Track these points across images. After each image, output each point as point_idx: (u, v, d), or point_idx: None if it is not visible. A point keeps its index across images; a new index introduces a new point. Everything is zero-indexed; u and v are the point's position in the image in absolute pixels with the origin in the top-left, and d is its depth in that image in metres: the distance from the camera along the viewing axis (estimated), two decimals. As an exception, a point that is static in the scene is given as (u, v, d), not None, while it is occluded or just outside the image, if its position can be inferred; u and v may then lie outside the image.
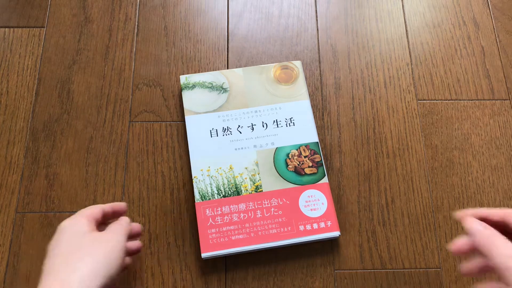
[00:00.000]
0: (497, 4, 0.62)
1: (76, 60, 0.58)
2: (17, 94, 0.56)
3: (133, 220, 0.51)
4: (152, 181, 0.53)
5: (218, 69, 0.58)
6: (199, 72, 0.58)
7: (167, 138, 0.55)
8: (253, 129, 0.52)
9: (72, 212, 0.51)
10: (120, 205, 0.45)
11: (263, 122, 0.53)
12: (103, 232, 0.39)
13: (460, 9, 0.62)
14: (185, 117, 0.53)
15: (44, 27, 0.60)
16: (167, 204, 0.52)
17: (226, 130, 0.52)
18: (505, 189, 0.53)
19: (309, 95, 0.57)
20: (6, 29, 0.60)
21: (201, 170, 0.50)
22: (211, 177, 0.50)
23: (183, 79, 0.55)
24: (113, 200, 0.52)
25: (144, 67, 0.58)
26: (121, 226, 0.41)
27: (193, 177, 0.50)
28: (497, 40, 0.60)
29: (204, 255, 0.47)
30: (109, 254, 0.37)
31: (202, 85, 0.54)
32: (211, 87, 0.54)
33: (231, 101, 0.54)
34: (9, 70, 0.58)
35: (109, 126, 0.55)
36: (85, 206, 0.51)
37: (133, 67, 0.58)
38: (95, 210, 0.41)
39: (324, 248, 0.50)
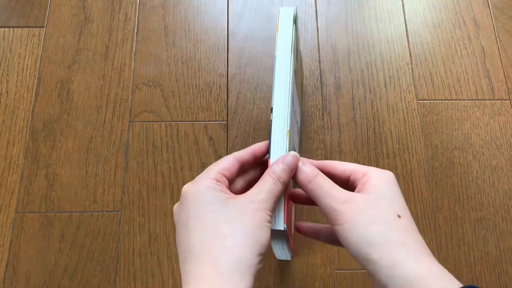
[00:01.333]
0: (497, 4, 0.62)
1: (76, 60, 0.58)
2: (17, 94, 0.56)
3: (133, 220, 0.51)
4: (152, 181, 0.53)
5: (218, 69, 0.58)
6: (198, 72, 0.58)
7: (167, 138, 0.55)
8: None
9: (72, 213, 0.51)
10: (261, 146, 0.35)
11: None
12: (245, 195, 0.31)
13: (460, 9, 0.62)
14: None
15: (44, 27, 0.60)
16: (167, 204, 0.52)
17: None
18: (505, 189, 0.53)
19: (309, 95, 0.57)
20: (6, 29, 0.60)
21: None
22: None
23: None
24: (113, 200, 0.52)
25: (144, 67, 0.58)
26: (273, 184, 0.31)
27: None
28: (497, 40, 0.60)
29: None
30: (256, 226, 0.29)
31: None
32: None
33: None
34: (9, 70, 0.58)
35: (109, 126, 0.55)
36: (84, 207, 0.51)
37: (133, 67, 0.58)
38: (223, 168, 0.32)
39: (324, 248, 0.50)
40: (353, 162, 0.35)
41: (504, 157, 0.55)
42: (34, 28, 0.60)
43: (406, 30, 0.61)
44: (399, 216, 0.29)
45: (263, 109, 0.56)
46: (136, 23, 0.61)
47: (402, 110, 0.57)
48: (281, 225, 0.32)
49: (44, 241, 0.50)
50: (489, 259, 0.50)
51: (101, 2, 0.61)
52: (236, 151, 0.55)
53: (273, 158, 0.34)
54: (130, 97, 0.57)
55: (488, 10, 0.62)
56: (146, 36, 0.60)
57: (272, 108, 0.36)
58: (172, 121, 0.55)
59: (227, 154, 0.54)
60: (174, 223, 0.52)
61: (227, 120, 0.55)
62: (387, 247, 0.28)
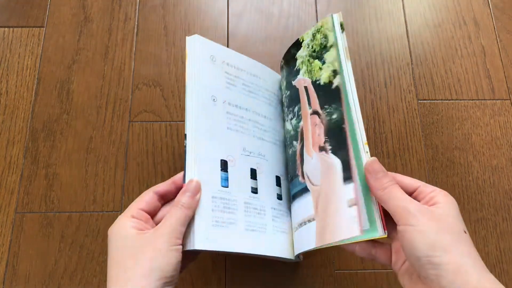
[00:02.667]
0: (497, 4, 0.62)
1: (76, 60, 0.58)
2: (17, 94, 0.56)
3: (133, 220, 0.51)
4: (152, 181, 0.52)
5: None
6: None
7: (167, 138, 0.54)
8: None
9: (72, 213, 0.51)
10: (179, 175, 0.39)
11: None
12: (153, 229, 0.35)
13: (461, 9, 0.62)
14: None
15: (43, 27, 0.60)
16: (167, 204, 0.52)
17: None
18: (506, 189, 0.53)
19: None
20: (6, 29, 0.60)
21: None
22: None
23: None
24: (113, 200, 0.52)
25: (144, 67, 0.58)
26: (175, 213, 0.35)
27: None
28: (498, 39, 0.60)
29: None
30: (157, 253, 0.33)
31: None
32: None
33: None
34: (8, 70, 0.58)
35: (109, 126, 0.55)
36: (84, 207, 0.51)
37: (133, 67, 0.58)
38: (142, 204, 0.37)
39: (324, 248, 0.50)
40: None
41: (505, 157, 0.55)
42: (34, 28, 0.60)
43: (406, 30, 0.61)
44: (465, 232, 0.32)
45: (263, 109, 0.56)
46: (136, 23, 0.60)
47: (402, 110, 0.57)
48: (192, 246, 0.35)
49: (44, 241, 0.50)
50: (489, 259, 0.50)
51: (101, 2, 0.61)
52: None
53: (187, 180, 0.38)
54: (130, 97, 0.57)
55: (489, 10, 0.62)
56: (146, 36, 0.60)
57: (185, 134, 0.39)
58: (172, 121, 0.55)
59: (227, 154, 0.54)
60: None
61: (227, 120, 0.55)
62: (456, 253, 0.30)
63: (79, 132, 0.55)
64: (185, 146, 0.38)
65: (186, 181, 0.37)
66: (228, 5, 0.62)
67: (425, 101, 0.57)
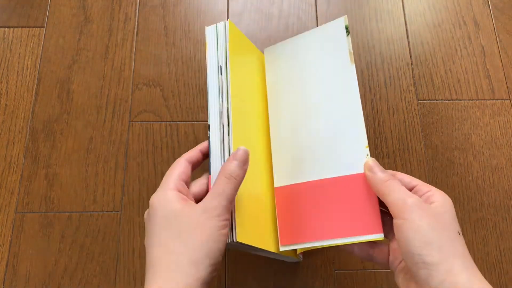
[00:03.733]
0: (497, 4, 0.62)
1: (76, 60, 0.58)
2: (17, 94, 0.56)
3: (133, 220, 0.51)
4: (152, 181, 0.53)
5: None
6: (198, 72, 0.58)
7: (167, 138, 0.54)
8: None
9: (72, 213, 0.51)
10: (206, 144, 0.37)
11: None
12: (200, 207, 0.32)
13: (461, 9, 0.62)
14: None
15: (43, 27, 0.60)
16: (167, 204, 0.52)
17: None
18: (506, 189, 0.53)
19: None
20: (6, 29, 0.60)
21: None
22: None
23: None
24: (113, 200, 0.52)
25: (144, 67, 0.58)
26: (224, 189, 0.32)
27: None
28: (498, 40, 0.60)
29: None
30: (207, 237, 0.30)
31: None
32: None
33: None
34: (8, 70, 0.58)
35: (109, 126, 0.55)
36: (84, 207, 0.51)
37: (133, 67, 0.58)
38: (183, 175, 0.34)
39: (324, 249, 0.50)
40: None
41: (504, 157, 0.55)
42: (34, 28, 0.60)
43: (406, 30, 0.61)
44: (459, 233, 0.32)
45: (263, 109, 0.56)
46: (136, 23, 0.61)
47: (402, 110, 0.57)
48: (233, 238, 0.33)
49: (44, 241, 0.50)
50: (489, 259, 0.50)
51: (101, 2, 0.61)
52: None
53: (213, 172, 0.35)
54: (130, 97, 0.57)
55: (488, 10, 0.62)
56: (146, 36, 0.60)
57: (209, 125, 0.37)
58: (172, 121, 0.55)
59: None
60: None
61: (227, 120, 0.55)
62: (449, 254, 0.29)
63: (79, 132, 0.55)
64: (209, 136, 0.37)
65: (212, 169, 0.35)
66: (228, 5, 0.62)
67: (425, 101, 0.57)
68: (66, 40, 0.59)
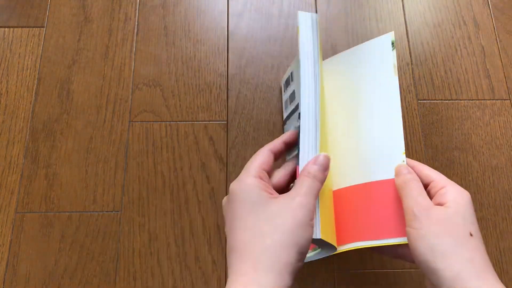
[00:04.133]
0: (497, 4, 0.62)
1: (76, 60, 0.58)
2: (17, 94, 0.56)
3: (133, 220, 0.51)
4: (152, 181, 0.53)
5: (218, 69, 0.58)
6: (198, 72, 0.58)
7: (167, 138, 0.55)
8: None
9: (72, 213, 0.51)
10: (291, 134, 0.36)
11: None
12: (288, 196, 0.31)
13: (460, 9, 0.62)
14: None
15: (43, 27, 0.60)
16: (167, 204, 0.52)
17: None
18: (506, 189, 0.53)
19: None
20: (6, 29, 0.60)
21: None
22: None
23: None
24: (113, 200, 0.52)
25: (144, 67, 0.58)
26: (311, 182, 0.32)
27: None
28: (497, 40, 0.60)
29: None
30: (297, 224, 0.30)
31: None
32: None
33: None
34: (8, 70, 0.58)
35: (109, 126, 0.55)
36: (84, 207, 0.51)
37: (133, 67, 0.58)
38: (265, 165, 0.33)
39: (324, 248, 0.50)
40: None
41: (504, 157, 0.55)
42: (34, 28, 0.60)
43: (406, 30, 0.61)
44: (471, 235, 0.31)
45: (263, 109, 0.56)
46: (136, 23, 0.61)
47: (402, 110, 0.57)
48: (318, 235, 0.33)
49: (44, 241, 0.50)
50: (489, 259, 0.50)
51: (101, 2, 0.61)
52: (236, 151, 0.55)
53: (301, 162, 0.35)
54: (130, 97, 0.57)
55: (488, 10, 0.62)
56: (146, 36, 0.60)
57: (299, 114, 0.36)
58: (172, 121, 0.55)
59: (227, 154, 0.54)
60: (173, 223, 0.52)
61: (227, 120, 0.55)
62: (454, 260, 0.29)
63: (79, 132, 0.55)
64: (299, 127, 0.36)
65: (301, 160, 0.34)
66: (228, 5, 0.62)
67: (425, 101, 0.57)
68: (66, 40, 0.59)
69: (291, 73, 0.50)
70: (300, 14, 0.40)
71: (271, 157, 0.35)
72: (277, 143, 0.36)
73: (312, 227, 0.31)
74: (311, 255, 0.41)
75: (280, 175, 0.36)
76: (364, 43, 0.47)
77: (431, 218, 0.31)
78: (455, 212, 0.32)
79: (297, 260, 0.29)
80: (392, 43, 0.44)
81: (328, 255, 0.40)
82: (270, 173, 0.35)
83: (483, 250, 0.31)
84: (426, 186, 0.36)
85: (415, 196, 0.33)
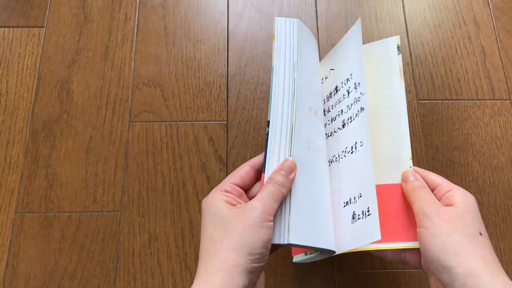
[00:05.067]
0: (497, 4, 0.62)
1: (76, 60, 0.58)
2: (17, 94, 0.56)
3: (132, 220, 0.51)
4: (152, 181, 0.53)
5: (218, 69, 0.58)
6: (198, 72, 0.58)
7: (167, 138, 0.54)
8: None
9: (72, 213, 0.51)
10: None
11: None
12: (245, 203, 0.34)
13: (461, 9, 0.62)
14: None
15: (43, 27, 0.60)
16: (167, 204, 0.52)
17: None
18: (506, 189, 0.53)
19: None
20: (6, 29, 0.60)
21: None
22: None
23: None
24: (113, 200, 0.52)
25: (144, 67, 0.58)
26: (271, 187, 0.34)
27: None
28: (498, 40, 0.60)
29: None
30: (246, 227, 0.32)
31: None
32: None
33: None
34: (8, 70, 0.58)
35: (109, 126, 0.55)
36: (84, 207, 0.51)
37: (132, 67, 0.58)
38: (236, 179, 0.36)
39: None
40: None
41: (505, 157, 0.55)
42: (34, 28, 0.60)
43: (406, 30, 0.61)
44: (480, 234, 0.32)
45: (263, 109, 0.56)
46: (136, 23, 0.60)
47: (402, 110, 0.56)
48: (283, 240, 0.34)
49: (44, 241, 0.50)
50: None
51: (101, 2, 0.61)
52: (236, 151, 0.55)
53: (267, 169, 0.36)
54: (130, 97, 0.57)
55: (489, 10, 0.62)
56: (146, 36, 0.60)
57: (268, 121, 0.37)
58: (172, 121, 0.55)
59: (227, 154, 0.54)
60: (173, 223, 0.52)
61: (227, 120, 0.55)
62: (466, 256, 0.30)
63: (79, 132, 0.55)
64: (267, 133, 0.36)
65: (266, 168, 0.36)
66: (228, 5, 0.62)
67: (425, 101, 0.57)
68: (66, 40, 0.59)
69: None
70: (277, 20, 0.40)
71: (250, 172, 0.37)
72: (259, 158, 0.38)
73: (267, 228, 0.32)
74: (309, 257, 0.41)
75: (258, 186, 0.38)
76: (368, 44, 0.46)
77: (442, 216, 0.32)
78: (464, 211, 0.33)
79: (249, 262, 0.31)
80: (398, 47, 0.44)
81: (328, 256, 0.40)
82: (247, 186, 0.37)
83: (492, 249, 0.32)
84: (432, 191, 0.37)
85: (424, 198, 0.34)
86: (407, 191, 0.37)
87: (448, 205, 0.34)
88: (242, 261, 0.31)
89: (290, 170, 0.35)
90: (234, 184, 0.36)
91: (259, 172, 0.37)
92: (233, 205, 0.34)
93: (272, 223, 0.33)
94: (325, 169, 0.41)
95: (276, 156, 0.36)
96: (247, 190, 0.37)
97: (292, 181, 0.35)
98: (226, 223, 0.33)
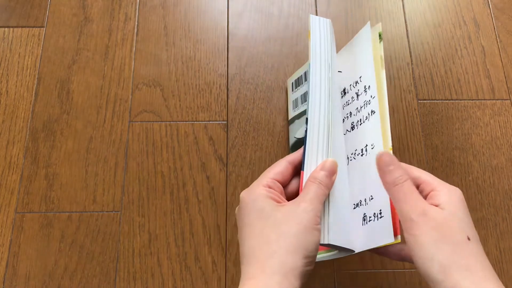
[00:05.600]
0: (497, 4, 0.62)
1: (76, 60, 0.58)
2: (17, 94, 0.56)
3: (132, 220, 0.51)
4: (152, 181, 0.53)
5: (218, 69, 0.58)
6: (198, 72, 0.58)
7: (167, 138, 0.54)
8: None
9: (72, 213, 0.51)
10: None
11: None
12: (293, 203, 0.33)
13: (461, 8, 0.62)
14: None
15: (43, 27, 0.60)
16: (167, 204, 0.52)
17: None
18: (506, 189, 0.53)
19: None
20: (6, 28, 0.60)
21: None
22: None
23: None
24: (113, 200, 0.52)
25: (144, 67, 0.58)
26: (317, 188, 0.33)
27: None
28: (498, 40, 0.60)
29: None
30: (302, 230, 0.31)
31: None
32: None
33: None
34: (8, 70, 0.58)
35: (109, 126, 0.55)
36: (84, 207, 0.51)
37: (132, 67, 0.58)
38: (277, 174, 0.35)
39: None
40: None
41: (505, 157, 0.55)
42: (34, 28, 0.60)
43: (406, 30, 0.61)
44: (468, 239, 0.31)
45: (263, 109, 0.56)
46: (136, 23, 0.61)
47: (402, 110, 0.57)
48: (326, 240, 0.33)
49: (44, 241, 0.50)
50: (489, 259, 0.50)
51: (101, 2, 0.61)
52: (236, 151, 0.55)
53: (306, 168, 0.35)
54: (130, 97, 0.57)
55: (489, 10, 0.62)
56: (146, 36, 0.60)
57: (307, 118, 0.36)
58: (172, 121, 0.55)
59: (227, 154, 0.54)
60: (173, 223, 0.52)
61: (227, 120, 0.55)
62: (453, 270, 0.29)
63: (79, 132, 0.55)
64: (306, 131, 0.36)
65: (306, 166, 0.35)
66: (228, 5, 0.62)
67: (425, 101, 0.57)
68: (66, 40, 0.59)
69: (305, 73, 0.50)
70: (312, 18, 0.40)
71: (288, 168, 0.36)
72: (297, 154, 0.37)
73: (319, 231, 0.32)
74: (327, 255, 0.40)
75: (296, 182, 0.37)
76: (353, 38, 0.46)
77: (429, 222, 0.30)
78: (451, 214, 0.31)
79: (304, 265, 0.31)
80: (380, 35, 0.42)
81: (346, 255, 0.39)
82: (286, 182, 0.36)
83: (482, 254, 0.31)
84: (416, 187, 0.34)
85: (409, 199, 0.32)
86: (386, 183, 0.33)
87: (432, 205, 0.32)
88: (299, 264, 0.30)
89: (332, 171, 0.34)
90: (275, 180, 0.35)
91: (296, 169, 0.37)
92: (278, 202, 0.33)
93: (320, 226, 0.32)
94: (345, 169, 0.41)
95: (314, 155, 0.36)
96: (285, 186, 0.36)
97: (333, 183, 0.34)
98: (279, 223, 0.31)
